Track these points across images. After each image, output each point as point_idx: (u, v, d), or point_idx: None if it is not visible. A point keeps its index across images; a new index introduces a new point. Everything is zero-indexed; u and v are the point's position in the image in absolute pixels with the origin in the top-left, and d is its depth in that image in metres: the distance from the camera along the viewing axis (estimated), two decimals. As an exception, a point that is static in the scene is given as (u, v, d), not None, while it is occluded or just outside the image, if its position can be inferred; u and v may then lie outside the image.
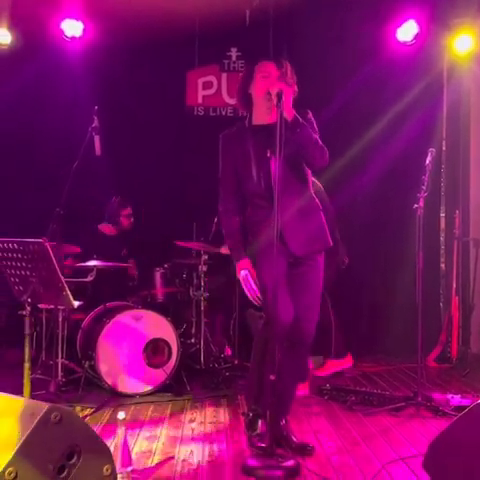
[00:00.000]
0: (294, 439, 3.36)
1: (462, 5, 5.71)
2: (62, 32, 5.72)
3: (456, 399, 4.14)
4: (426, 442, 3.13)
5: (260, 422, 3.41)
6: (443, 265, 6.16)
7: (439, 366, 5.45)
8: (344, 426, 3.80)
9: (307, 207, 3.35)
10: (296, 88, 3.34)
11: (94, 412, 4.03)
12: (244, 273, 3.32)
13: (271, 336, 3.05)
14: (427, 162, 4.24)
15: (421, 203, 4.17)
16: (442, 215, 6.15)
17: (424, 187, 4.19)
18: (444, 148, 6.13)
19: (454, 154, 6.11)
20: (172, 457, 3.26)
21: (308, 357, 3.60)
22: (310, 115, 3.32)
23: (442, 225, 6.13)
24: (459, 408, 3.93)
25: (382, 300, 6.10)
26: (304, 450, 3.28)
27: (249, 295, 3.32)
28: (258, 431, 3.39)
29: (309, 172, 3.40)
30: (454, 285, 5.78)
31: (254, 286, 3.29)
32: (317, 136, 3.25)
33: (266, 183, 3.26)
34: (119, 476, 2.64)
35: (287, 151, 3.08)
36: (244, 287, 3.33)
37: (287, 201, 3.15)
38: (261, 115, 3.35)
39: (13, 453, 2.07)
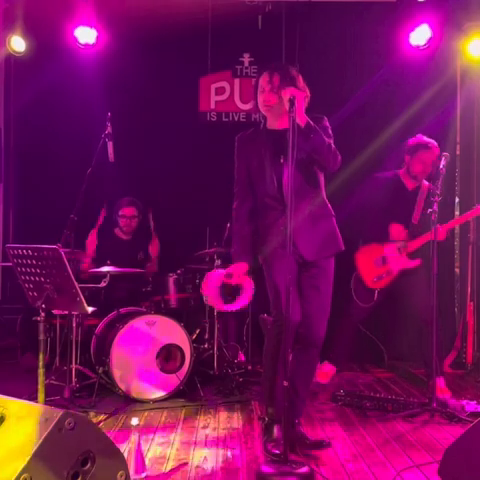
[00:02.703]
0: (308, 437, 3.38)
1: (475, 9, 5.68)
2: (76, 39, 5.75)
3: (471, 405, 4.11)
4: (441, 449, 3.13)
5: (276, 428, 3.40)
6: (458, 270, 6.11)
7: (454, 372, 5.40)
8: (358, 432, 3.78)
9: (318, 212, 3.39)
10: (308, 93, 3.35)
11: (108, 418, 4.04)
12: (220, 271, 3.36)
13: (281, 339, 3.06)
14: (441, 166, 4.23)
15: (435, 207, 4.15)
16: (456, 220, 6.11)
17: (438, 191, 4.17)
18: (458, 152, 6.10)
19: (468, 158, 6.07)
20: (186, 463, 3.26)
21: (318, 360, 3.60)
22: (326, 121, 3.34)
23: (456, 229, 6.08)
24: (475, 414, 3.93)
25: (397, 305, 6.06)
26: (320, 446, 3.30)
27: (201, 290, 3.35)
28: (274, 437, 3.39)
29: (322, 178, 3.42)
30: (469, 290, 5.74)
31: (211, 285, 3.33)
32: (331, 141, 3.27)
33: (278, 187, 3.32)
34: (133, 482, 2.64)
35: (299, 156, 3.12)
36: (204, 280, 3.36)
37: (298, 206, 3.17)
38: (271, 122, 3.45)
39: (28, 459, 2.08)
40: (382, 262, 4.83)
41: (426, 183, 4.87)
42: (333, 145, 3.28)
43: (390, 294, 4.94)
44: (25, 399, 2.50)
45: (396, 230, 4.80)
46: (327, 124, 3.36)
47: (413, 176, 4.83)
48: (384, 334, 5.77)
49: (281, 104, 3.24)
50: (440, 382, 4.54)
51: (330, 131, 3.35)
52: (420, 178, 4.84)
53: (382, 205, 4.84)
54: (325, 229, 3.40)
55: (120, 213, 5.57)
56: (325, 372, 5.00)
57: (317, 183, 3.40)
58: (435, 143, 4.79)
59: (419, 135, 4.88)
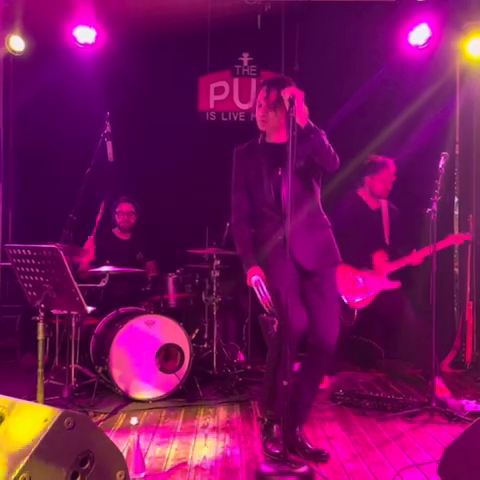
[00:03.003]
0: (309, 445, 3.35)
1: (475, 8, 5.68)
2: (75, 39, 5.74)
3: (471, 404, 4.11)
4: (441, 448, 3.13)
5: (275, 427, 3.41)
6: (457, 269, 6.11)
7: (453, 371, 5.40)
8: (358, 432, 3.78)
9: (314, 222, 3.42)
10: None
11: (107, 418, 4.04)
12: (256, 278, 3.36)
13: (283, 342, 3.06)
14: (440, 166, 4.23)
15: (434, 207, 4.15)
16: (456, 219, 6.11)
17: (437, 191, 4.17)
18: (457, 152, 6.10)
19: (467, 158, 6.07)
20: (185, 463, 3.26)
21: (327, 368, 3.60)
22: (324, 135, 3.33)
23: (456, 229, 6.08)
24: (474, 414, 3.92)
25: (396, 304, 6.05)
26: (319, 456, 3.28)
27: (261, 300, 3.35)
28: (273, 436, 3.39)
29: (318, 190, 3.46)
30: (468, 289, 5.74)
31: (266, 291, 3.32)
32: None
33: (276, 198, 3.35)
34: (132, 482, 2.64)
35: (298, 165, 3.18)
36: (256, 292, 3.36)
37: (295, 215, 3.20)
38: (269, 136, 3.47)
39: (27, 459, 2.07)
40: (362, 282, 4.86)
41: (385, 201, 4.93)
42: (332, 148, 3.28)
43: (372, 313, 4.95)
44: (25, 399, 2.49)
45: (379, 260, 4.85)
46: (324, 137, 3.35)
47: (377, 196, 4.93)
48: (382, 335, 5.76)
49: (277, 119, 3.32)
50: (439, 382, 4.53)
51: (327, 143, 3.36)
52: (384, 197, 4.94)
53: (351, 228, 4.78)
54: (321, 239, 3.42)
55: (117, 209, 5.57)
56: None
57: (314, 193, 3.43)
58: (391, 160, 4.86)
59: (372, 156, 5.00)
